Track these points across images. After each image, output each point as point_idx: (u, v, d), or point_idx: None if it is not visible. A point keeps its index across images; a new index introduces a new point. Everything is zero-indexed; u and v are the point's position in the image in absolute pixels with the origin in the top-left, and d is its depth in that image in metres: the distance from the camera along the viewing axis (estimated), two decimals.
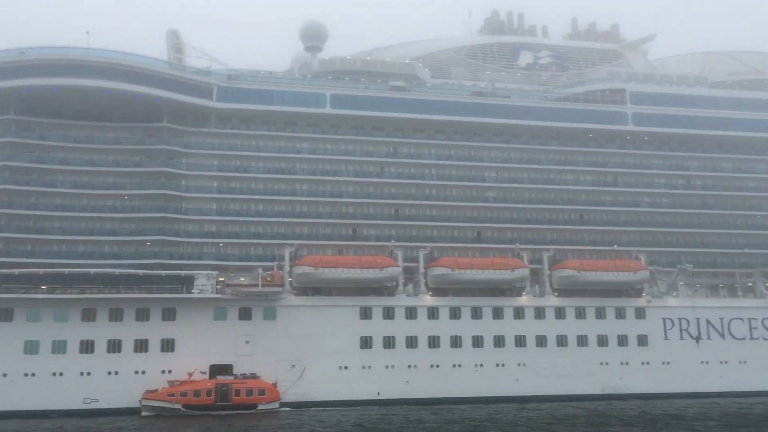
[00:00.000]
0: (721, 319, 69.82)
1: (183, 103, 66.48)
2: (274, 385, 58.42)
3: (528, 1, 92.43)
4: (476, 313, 65.76)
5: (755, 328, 70.33)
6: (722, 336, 69.55)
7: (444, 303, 65.43)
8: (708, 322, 69.44)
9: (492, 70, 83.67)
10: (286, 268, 63.47)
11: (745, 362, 68.81)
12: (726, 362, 68.64)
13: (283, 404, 57.78)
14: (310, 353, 60.49)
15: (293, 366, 60.11)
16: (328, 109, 70.53)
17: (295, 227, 67.90)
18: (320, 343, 60.96)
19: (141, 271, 60.14)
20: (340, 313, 62.57)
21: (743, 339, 69.77)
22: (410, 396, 60.93)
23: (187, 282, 60.58)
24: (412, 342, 63.53)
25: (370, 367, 61.90)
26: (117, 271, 59.65)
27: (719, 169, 77.78)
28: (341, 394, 59.75)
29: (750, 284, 73.87)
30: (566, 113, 75.27)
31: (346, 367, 61.36)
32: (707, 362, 68.34)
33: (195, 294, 60.07)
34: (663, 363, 67.54)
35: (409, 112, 72.16)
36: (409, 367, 62.75)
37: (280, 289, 61.49)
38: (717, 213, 75.75)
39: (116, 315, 59.13)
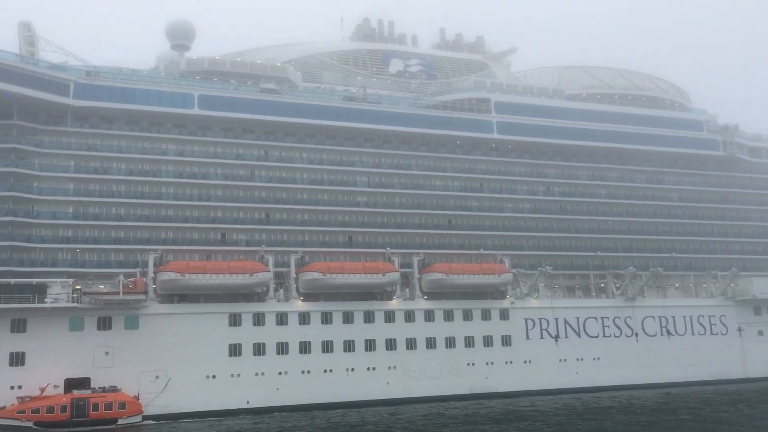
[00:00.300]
0: (577, 318, 73.97)
1: (36, 100, 62.00)
2: (136, 397, 55.56)
3: (398, 10, 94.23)
4: (348, 318, 65.81)
5: (607, 326, 75.05)
6: (578, 334, 73.66)
7: (315, 308, 64.98)
8: (566, 321, 73.34)
9: (363, 76, 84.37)
10: (150, 274, 60.72)
11: (598, 359, 73.24)
12: (581, 359, 72.73)
13: (146, 417, 55.03)
14: (176, 363, 58.09)
15: (157, 377, 57.47)
16: (196, 110, 68.24)
17: (159, 232, 65.05)
18: (186, 352, 58.70)
19: None
20: (207, 320, 60.58)
21: (597, 337, 74.24)
22: (281, 403, 59.93)
23: (40, 290, 56.54)
24: (282, 348, 62.57)
25: (239, 375, 60.31)
26: None
27: (575, 177, 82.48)
28: (209, 404, 57.77)
29: (602, 285, 78.82)
30: (435, 120, 77.16)
31: (213, 376, 59.43)
32: (565, 360, 72.11)
33: (48, 303, 56.11)
34: (525, 362, 70.54)
35: (280, 115, 71.24)
36: (280, 373, 61.72)
37: (143, 296, 58.65)
38: (573, 218, 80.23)
39: None
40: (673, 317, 77.56)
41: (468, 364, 68.52)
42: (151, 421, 54.68)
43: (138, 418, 54.46)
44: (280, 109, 71.40)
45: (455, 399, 64.88)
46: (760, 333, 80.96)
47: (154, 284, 60.53)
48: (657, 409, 57.16)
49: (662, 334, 76.64)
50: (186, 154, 68.25)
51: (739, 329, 79.97)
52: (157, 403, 56.37)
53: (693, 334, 78.08)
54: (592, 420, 51.65)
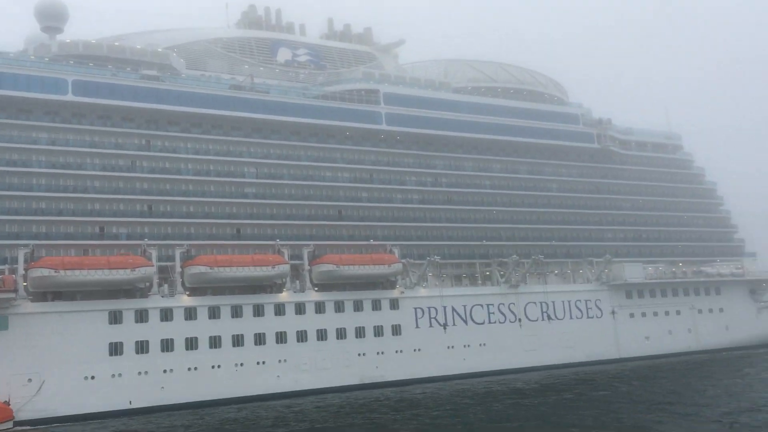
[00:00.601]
0: (465, 306, 75.82)
1: None
2: (6, 403, 51.81)
3: None
4: (236, 312, 64.28)
5: (493, 313, 77.37)
6: (465, 322, 75.52)
7: (202, 303, 63.04)
8: (453, 309, 74.98)
9: (250, 64, 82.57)
10: (21, 271, 56.77)
11: (484, 344, 75.42)
12: (469, 346, 74.65)
13: (18, 423, 51.48)
14: (51, 364, 54.68)
15: (29, 380, 53.86)
16: (69, 97, 64.31)
17: (30, 225, 60.95)
18: (62, 353, 55.35)
19: None
20: (85, 319, 57.36)
21: (483, 323, 76.39)
22: (167, 402, 57.71)
23: None
24: (167, 345, 60.25)
25: (120, 374, 57.55)
26: None
27: (461, 168, 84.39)
28: (88, 407, 54.80)
29: (488, 273, 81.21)
30: (324, 111, 76.66)
31: (92, 377, 56.41)
32: (453, 347, 73.75)
33: None
34: (415, 350, 71.57)
35: (163, 104, 68.43)
36: (165, 371, 59.42)
37: (12, 295, 54.73)
38: (460, 209, 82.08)
39: None
40: (553, 302, 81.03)
41: (359, 355, 68.69)
42: (27, 427, 51.21)
43: (9, 425, 50.86)
44: (162, 97, 68.57)
45: (347, 390, 64.87)
46: (631, 315, 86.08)
47: (24, 282, 56.63)
48: (542, 390, 59.58)
49: (543, 319, 79.89)
50: (59, 143, 64.24)
51: (613, 312, 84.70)
52: (30, 407, 52.84)
53: (571, 318, 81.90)
54: (481, 404, 53.11)
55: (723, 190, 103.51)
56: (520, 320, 78.33)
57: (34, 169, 62.35)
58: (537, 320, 79.50)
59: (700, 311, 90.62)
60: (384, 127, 79.51)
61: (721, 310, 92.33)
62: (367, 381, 67.39)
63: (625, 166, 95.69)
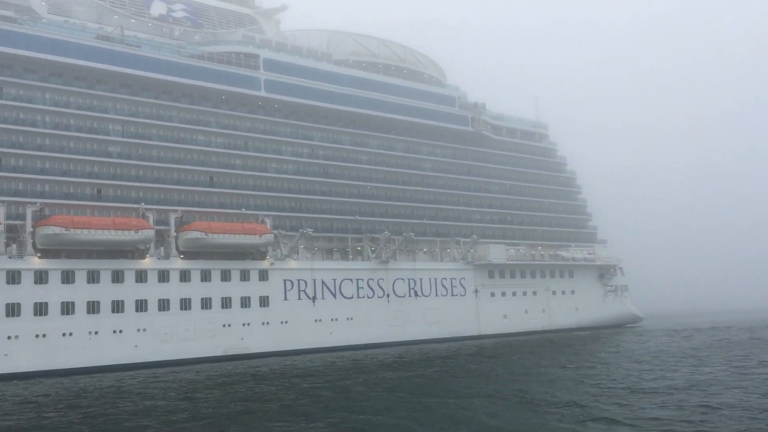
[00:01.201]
0: (335, 280, 75.74)
1: None
2: None
3: None
4: (93, 277, 60.76)
5: (362, 287, 77.87)
6: (334, 296, 75.51)
7: (56, 266, 58.95)
8: (323, 283, 74.70)
9: (121, 15, 77.06)
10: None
11: (352, 318, 75.81)
12: (336, 319, 74.76)
13: None
14: None
15: None
16: None
17: None
18: None
19: None
20: None
21: (352, 298, 76.73)
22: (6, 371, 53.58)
23: None
24: (13, 310, 55.86)
25: None
26: None
27: (339, 141, 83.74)
28: None
29: (359, 248, 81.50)
30: (200, 71, 73.30)
31: None
32: (320, 320, 73.58)
33: None
34: (282, 322, 70.74)
35: (19, 48, 62.66)
36: (10, 338, 55.09)
37: None
38: (335, 182, 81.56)
39: None
40: (421, 279, 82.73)
41: (224, 326, 66.97)
42: None
43: None
44: (19, 41, 62.78)
45: (209, 361, 63.11)
46: (492, 294, 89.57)
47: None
48: (405, 363, 60.45)
49: (410, 296, 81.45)
50: None
51: (476, 291, 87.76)
52: None
53: (437, 295, 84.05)
54: (346, 378, 53.05)
55: (582, 180, 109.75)
56: (388, 296, 79.38)
57: None
58: (404, 296, 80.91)
59: (554, 293, 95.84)
60: (262, 93, 77.26)
61: (572, 292, 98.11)
62: (231, 352, 65.91)
63: (495, 150, 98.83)
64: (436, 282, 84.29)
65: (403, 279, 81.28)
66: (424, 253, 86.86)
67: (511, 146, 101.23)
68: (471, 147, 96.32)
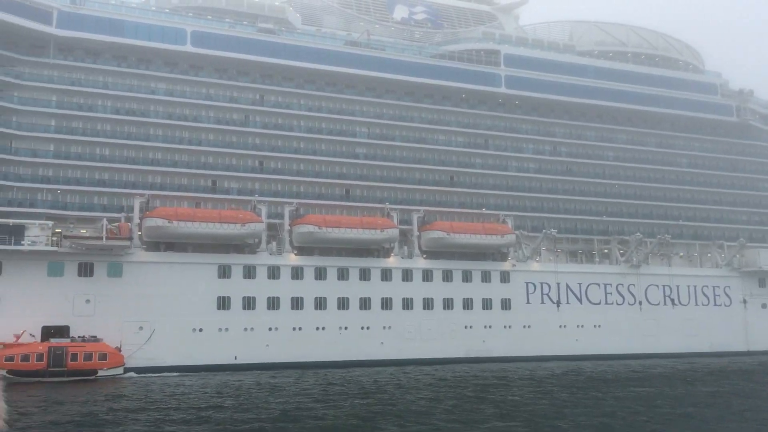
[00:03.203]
0: (580, 284, 71.34)
1: (15, 27, 57.45)
2: (118, 348, 52.46)
3: None
4: (342, 274, 62.80)
5: (610, 293, 72.54)
6: (580, 301, 71.11)
7: (309, 263, 61.86)
8: (568, 286, 70.69)
9: (366, 21, 79.79)
10: (136, 220, 57.17)
11: (599, 326, 70.86)
12: (582, 326, 70.32)
13: (127, 369, 52.03)
14: (161, 314, 54.97)
15: (141, 328, 54.38)
16: (188, 47, 63.80)
17: (147, 176, 61.24)
18: (172, 304, 55.53)
19: None
20: (195, 271, 57.29)
21: (599, 304, 71.74)
22: (270, 360, 57.11)
23: (17, 232, 52.88)
24: (274, 303, 59.56)
25: (227, 329, 57.34)
26: None
27: (583, 137, 79.02)
28: (195, 359, 54.91)
29: (606, 251, 76.09)
30: (442, 71, 73.13)
31: (200, 330, 56.41)
32: (565, 326, 69.67)
33: (25, 246, 52.52)
34: (524, 327, 68.04)
35: (278, 58, 66.99)
36: (270, 329, 58.82)
37: (127, 243, 55.18)
38: (580, 180, 77.04)
39: None
40: (677, 286, 75.16)
41: (465, 327, 65.91)
42: (132, 374, 51.68)
43: (119, 370, 51.46)
44: (278, 51, 67.09)
45: (450, 362, 62.38)
46: (764, 306, 78.91)
47: (139, 231, 57.02)
48: (668, 377, 54.70)
49: (665, 304, 74.29)
50: (176, 94, 64.06)
51: (744, 301, 77.84)
52: (140, 355, 53.36)
53: (696, 304, 75.81)
54: (603, 389, 49.06)
55: None
56: (640, 303, 73.11)
57: (152, 119, 62.47)
58: (658, 304, 74.00)
59: None
60: (503, 90, 75.18)
61: None
62: (472, 355, 64.66)
63: (766, 143, 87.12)
64: (695, 290, 76.03)
65: (657, 285, 74.34)
66: (681, 257, 78.79)
67: None
68: (736, 140, 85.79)
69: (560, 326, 69.40)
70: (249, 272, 59.34)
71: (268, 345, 58.19)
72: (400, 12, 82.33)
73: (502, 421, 32.62)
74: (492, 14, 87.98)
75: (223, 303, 57.82)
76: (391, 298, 63.80)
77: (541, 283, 69.84)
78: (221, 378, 50.73)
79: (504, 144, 75.45)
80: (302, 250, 62.34)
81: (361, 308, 62.62)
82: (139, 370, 52.34)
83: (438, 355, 63.16)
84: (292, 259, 61.51)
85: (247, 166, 65.19)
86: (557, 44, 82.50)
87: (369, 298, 63.06)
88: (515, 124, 76.55)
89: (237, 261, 59.17)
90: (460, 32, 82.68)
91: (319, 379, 50.26)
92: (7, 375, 47.73)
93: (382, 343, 62.35)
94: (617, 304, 72.48)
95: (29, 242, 52.87)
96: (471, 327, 66.12)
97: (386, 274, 64.33)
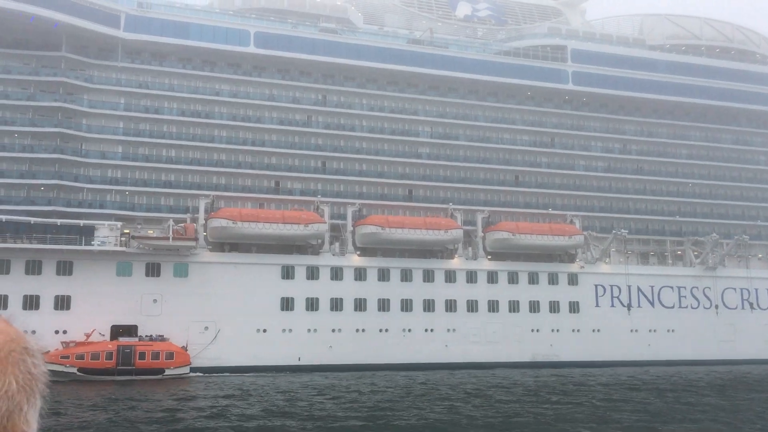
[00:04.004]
0: (652, 287, 68.61)
1: (85, 31, 58.54)
2: (184, 348, 52.83)
3: None
4: (406, 276, 61.89)
5: (684, 296, 69.55)
6: (652, 304, 68.40)
7: (372, 264, 61.17)
8: (639, 289, 68.06)
9: (428, 19, 78.67)
10: (201, 221, 57.56)
11: (673, 331, 67.98)
12: (655, 330, 67.59)
13: (193, 369, 52.34)
14: (226, 314, 55.11)
15: (206, 328, 54.64)
16: (251, 48, 63.99)
17: (211, 177, 61.65)
18: (237, 304, 55.62)
19: (32, 219, 52.82)
20: (259, 271, 57.28)
21: (672, 307, 68.85)
22: (333, 362, 56.64)
23: (87, 233, 53.86)
24: (337, 305, 59.09)
25: (290, 330, 57.14)
26: (3, 217, 52.08)
27: (655, 135, 76.11)
28: (259, 359, 54.86)
29: (679, 252, 73.03)
30: (506, 68, 71.45)
31: (264, 330, 56.37)
32: (636, 330, 67.07)
33: (95, 246, 53.43)
34: (593, 330, 65.79)
35: (340, 57, 66.54)
36: (333, 331, 58.38)
37: (193, 243, 55.57)
38: (651, 179, 74.21)
39: (2, 267, 51.96)
40: (756, 290, 71.50)
41: (532, 330, 64.11)
42: (199, 374, 51.94)
43: (185, 370, 51.81)
44: (340, 50, 66.65)
45: (516, 366, 60.65)
46: None
47: (204, 231, 57.38)
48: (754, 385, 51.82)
49: (743, 308, 70.78)
50: (240, 95, 64.34)
51: None
52: (206, 355, 53.62)
53: None
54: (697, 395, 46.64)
55: None
56: (716, 307, 69.79)
57: (216, 120, 62.90)
58: (736, 308, 70.55)
59: None
60: (570, 86, 72.99)
61: None
62: (539, 359, 62.82)
63: None
64: None
65: (735, 288, 70.89)
66: (760, 259, 74.98)
67: None
68: None
69: (631, 330, 66.82)
70: (312, 273, 59.04)
71: (331, 346, 57.74)
72: (463, 9, 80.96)
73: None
74: (557, 9, 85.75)
75: (287, 304, 57.65)
76: (455, 300, 62.54)
77: (611, 286, 67.43)
78: (307, 379, 50.30)
79: (571, 142, 73.26)
80: (365, 251, 61.70)
81: (424, 310, 61.60)
82: (204, 369, 52.57)
83: (503, 359, 61.56)
84: (355, 260, 60.96)
85: (309, 166, 64.99)
86: (626, 38, 79.74)
87: (432, 300, 61.95)
88: (583, 122, 74.24)
89: (300, 262, 58.95)
90: (524, 28, 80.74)
91: (433, 379, 49.33)
92: (77, 373, 48.54)
93: (446, 345, 61.18)
94: (692, 307, 69.42)
95: (99, 242, 53.76)
96: (538, 330, 64.30)
97: (450, 276, 63.10)
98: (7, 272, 51.97)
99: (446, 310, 62.15)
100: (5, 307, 51.33)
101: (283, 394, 42.22)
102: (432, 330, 61.25)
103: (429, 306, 61.75)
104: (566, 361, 63.12)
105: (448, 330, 61.65)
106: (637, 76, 74.87)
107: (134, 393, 42.12)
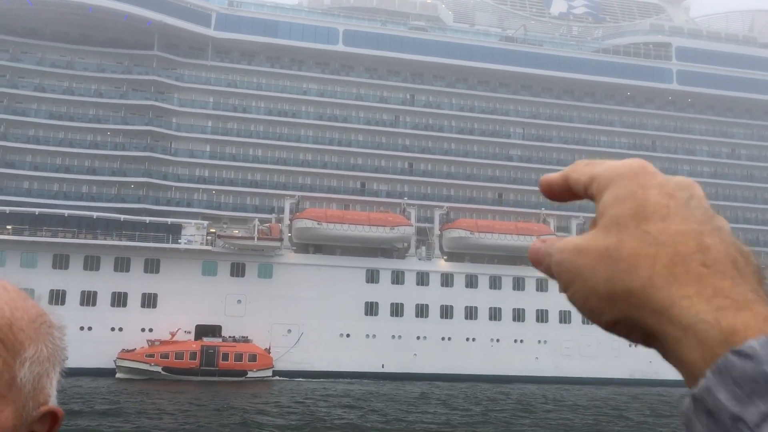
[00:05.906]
0: None
1: (177, 29, 58.70)
2: (267, 350, 51.81)
3: None
4: (494, 283, 59.10)
5: None
6: None
7: (459, 270, 58.70)
8: None
9: (521, 17, 75.66)
10: (286, 221, 56.54)
11: None
12: None
13: (276, 372, 51.21)
14: (309, 317, 53.79)
15: (289, 331, 53.48)
16: (340, 46, 62.82)
17: (297, 177, 60.72)
18: (320, 307, 54.22)
19: (122, 216, 53.12)
20: (343, 274, 55.75)
21: None
22: (417, 371, 54.42)
23: (174, 231, 53.69)
24: (422, 311, 56.89)
25: (374, 336, 55.32)
26: (95, 214, 52.57)
27: (767, 139, 70.53)
28: (341, 365, 53.22)
29: None
30: (603, 66, 67.63)
31: (348, 335, 54.76)
32: None
33: (182, 245, 53.17)
34: None
35: (429, 55, 64.50)
36: (418, 338, 56.21)
37: (278, 243, 54.58)
38: (763, 187, 68.70)
39: (92, 263, 52.38)
40: None
41: (630, 345, 59.90)
42: (281, 377, 50.75)
43: (268, 372, 50.77)
44: (429, 49, 64.62)
45: (612, 383, 56.82)
46: None
47: (289, 232, 56.37)
48: None
49: None
50: (327, 94, 63.23)
51: None
52: (288, 358, 52.43)
53: None
54: None
55: None
56: None
57: (303, 120, 61.98)
58: None
59: None
60: (674, 86, 68.43)
61: None
62: (638, 376, 58.65)
63: None
64: None
65: None
66: None
67: None
68: None
69: None
70: (397, 278, 57.11)
71: (415, 354, 55.59)
72: (558, 6, 77.53)
73: None
74: (659, 6, 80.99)
75: (371, 309, 55.91)
76: (546, 311, 59.28)
77: None
78: (372, 388, 48.40)
79: (674, 146, 68.74)
80: (452, 256, 59.32)
81: (514, 320, 58.68)
82: (286, 373, 51.36)
83: (598, 374, 57.85)
84: (442, 265, 58.66)
85: (396, 167, 63.23)
86: (736, 36, 74.30)
87: (523, 309, 58.92)
88: (687, 124, 69.52)
89: (385, 266, 57.13)
90: (623, 26, 76.53)
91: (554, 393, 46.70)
92: (162, 372, 48.21)
93: (536, 358, 58.00)
94: None
95: (185, 241, 53.51)
96: (636, 345, 59.91)
97: (541, 285, 59.82)
98: (97, 269, 52.35)
99: (537, 321, 59.01)
100: (94, 303, 51.74)
101: (394, 402, 40.18)
102: (522, 341, 58.21)
103: (518, 315, 58.78)
104: (668, 379, 58.50)
105: (539, 342, 58.47)
106: (747, 76, 69.58)
107: (216, 397, 41.10)
